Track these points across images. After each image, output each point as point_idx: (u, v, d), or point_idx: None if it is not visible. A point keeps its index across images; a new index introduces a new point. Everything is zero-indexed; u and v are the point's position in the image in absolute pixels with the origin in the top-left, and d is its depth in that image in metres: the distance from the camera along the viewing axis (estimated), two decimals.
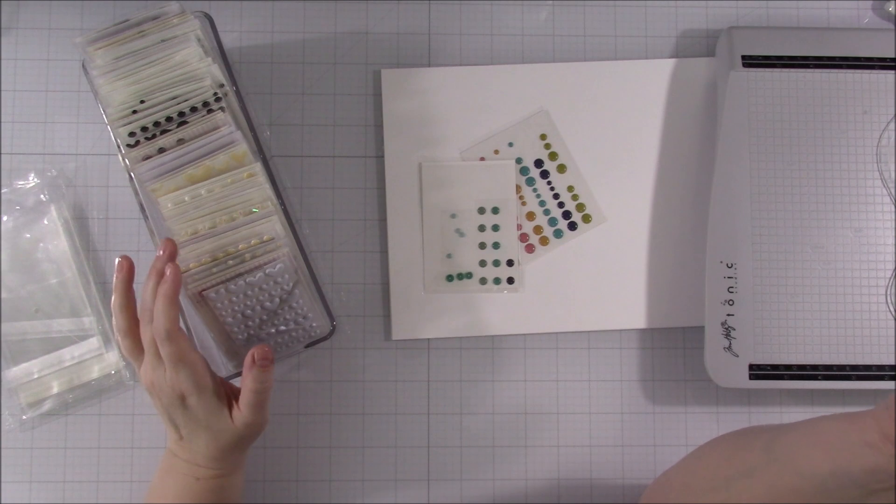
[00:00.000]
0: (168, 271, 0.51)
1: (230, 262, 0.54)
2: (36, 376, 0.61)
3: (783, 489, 0.46)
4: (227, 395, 0.54)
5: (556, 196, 0.64)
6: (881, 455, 0.41)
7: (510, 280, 0.63)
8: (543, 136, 0.65)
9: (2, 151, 0.64)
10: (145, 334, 0.52)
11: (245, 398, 0.53)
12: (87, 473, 0.62)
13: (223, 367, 0.59)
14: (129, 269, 0.54)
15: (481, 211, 0.64)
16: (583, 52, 0.66)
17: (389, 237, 0.63)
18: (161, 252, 0.52)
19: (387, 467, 0.63)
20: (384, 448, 0.63)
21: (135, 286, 0.55)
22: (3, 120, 0.64)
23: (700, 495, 0.51)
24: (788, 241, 0.60)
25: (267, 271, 0.54)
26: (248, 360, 0.53)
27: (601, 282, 0.64)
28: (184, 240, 0.54)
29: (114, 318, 0.54)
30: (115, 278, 0.54)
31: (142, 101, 0.55)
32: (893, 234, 0.61)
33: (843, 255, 0.60)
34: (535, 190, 0.64)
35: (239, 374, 0.57)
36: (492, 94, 0.65)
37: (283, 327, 0.57)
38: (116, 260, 0.54)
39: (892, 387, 0.59)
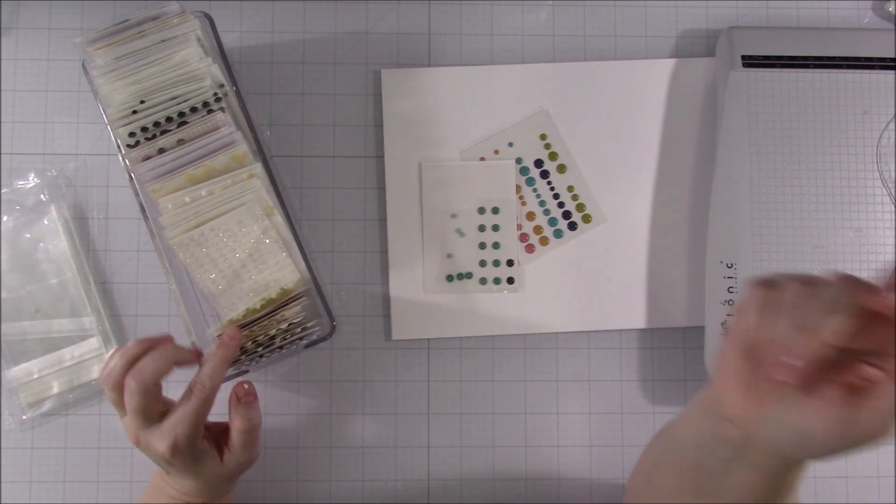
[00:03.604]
0: (227, 337, 0.51)
1: (260, 350, 0.54)
2: (36, 376, 0.61)
3: (673, 471, 0.46)
4: (216, 440, 0.53)
5: (556, 196, 0.64)
6: (721, 422, 0.41)
7: (510, 280, 0.63)
8: (543, 136, 0.65)
9: (2, 151, 0.64)
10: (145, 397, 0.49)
11: (236, 439, 0.52)
12: (87, 473, 0.62)
13: None
14: (169, 345, 0.51)
15: (481, 211, 0.64)
16: (583, 52, 0.66)
17: (389, 237, 0.63)
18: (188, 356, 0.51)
19: (387, 467, 0.63)
20: (384, 448, 0.63)
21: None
22: (3, 120, 0.64)
23: (636, 494, 0.52)
24: (788, 241, 0.60)
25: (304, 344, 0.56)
26: (231, 399, 0.53)
27: (601, 282, 0.64)
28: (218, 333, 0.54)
29: (113, 363, 0.50)
30: (146, 338, 0.51)
31: (142, 102, 0.55)
32: (893, 234, 0.61)
33: (843, 255, 0.60)
34: (535, 190, 0.64)
35: (236, 375, 0.57)
36: (492, 94, 0.65)
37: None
38: (166, 334, 0.52)
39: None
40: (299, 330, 0.55)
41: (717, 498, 0.43)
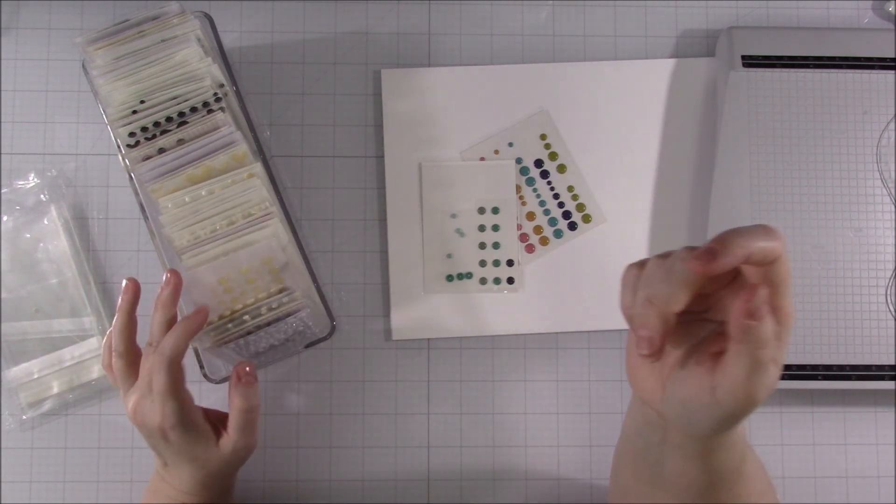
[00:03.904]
0: (194, 312, 0.51)
1: (246, 318, 0.54)
2: (36, 376, 0.61)
3: (628, 461, 0.48)
4: (213, 423, 0.53)
5: (556, 196, 0.64)
6: (645, 405, 0.42)
7: (510, 280, 0.63)
8: (543, 136, 0.65)
9: (2, 151, 0.64)
10: (146, 363, 0.50)
11: (234, 420, 0.52)
12: (87, 473, 0.62)
13: (223, 368, 0.59)
14: (135, 292, 0.53)
15: (481, 211, 0.64)
16: (583, 52, 0.66)
17: (389, 237, 0.63)
18: (166, 286, 0.51)
19: (387, 467, 0.63)
20: (384, 448, 0.63)
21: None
22: (3, 120, 0.64)
23: (611, 489, 0.54)
24: (788, 241, 0.60)
25: (297, 329, 0.56)
26: (233, 378, 0.53)
27: (601, 282, 0.64)
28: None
29: (113, 338, 0.52)
30: (120, 299, 0.52)
31: (142, 101, 0.55)
32: (893, 234, 0.61)
33: (843, 255, 0.60)
34: (535, 190, 0.64)
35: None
36: (492, 94, 0.65)
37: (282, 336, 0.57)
38: (124, 281, 0.53)
39: (892, 387, 0.59)
40: (286, 299, 0.54)
41: (662, 488, 0.44)
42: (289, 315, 0.55)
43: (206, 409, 0.54)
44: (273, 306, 0.54)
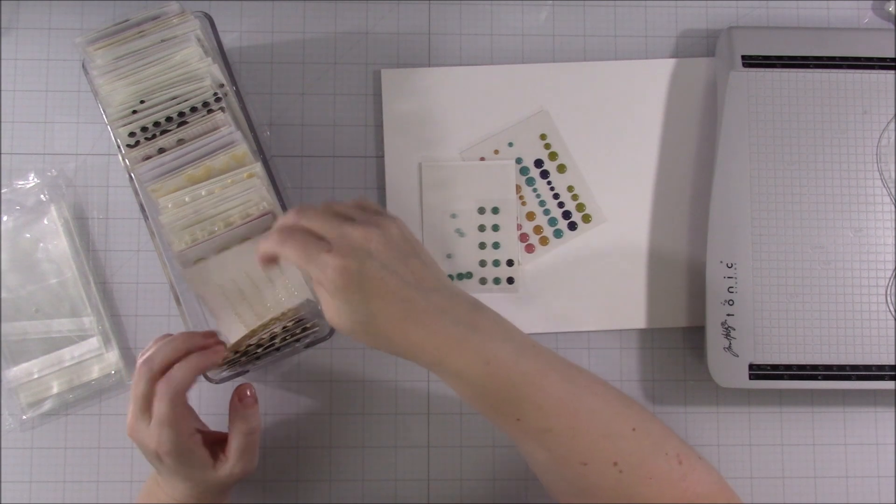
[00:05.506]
0: (212, 348, 0.51)
1: (259, 351, 0.54)
2: (36, 376, 0.61)
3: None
4: (211, 447, 0.53)
5: (556, 196, 0.64)
6: None
7: (510, 280, 0.63)
8: (543, 136, 0.65)
9: (2, 151, 0.64)
10: (139, 384, 0.49)
11: (234, 444, 0.52)
12: (87, 473, 0.62)
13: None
14: (249, 401, 0.54)
15: (481, 211, 0.64)
16: (583, 52, 0.66)
17: None
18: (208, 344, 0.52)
19: (387, 467, 0.63)
20: (384, 448, 0.63)
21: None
22: (3, 120, 0.64)
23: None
24: (788, 241, 0.60)
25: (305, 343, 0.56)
26: (233, 400, 0.53)
27: (601, 282, 0.64)
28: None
29: (157, 356, 0.50)
30: (198, 332, 0.53)
31: (142, 102, 0.55)
32: (893, 234, 0.61)
33: (843, 255, 0.60)
34: (535, 190, 0.64)
35: (235, 376, 0.57)
36: (492, 94, 0.65)
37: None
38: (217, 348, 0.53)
39: (892, 387, 0.59)
40: (299, 331, 0.55)
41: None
42: (298, 341, 0.56)
43: (204, 433, 0.53)
44: (287, 339, 0.55)
